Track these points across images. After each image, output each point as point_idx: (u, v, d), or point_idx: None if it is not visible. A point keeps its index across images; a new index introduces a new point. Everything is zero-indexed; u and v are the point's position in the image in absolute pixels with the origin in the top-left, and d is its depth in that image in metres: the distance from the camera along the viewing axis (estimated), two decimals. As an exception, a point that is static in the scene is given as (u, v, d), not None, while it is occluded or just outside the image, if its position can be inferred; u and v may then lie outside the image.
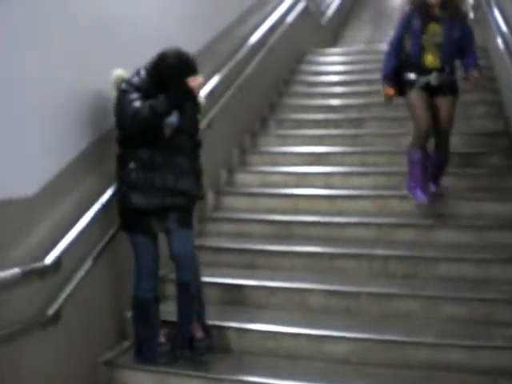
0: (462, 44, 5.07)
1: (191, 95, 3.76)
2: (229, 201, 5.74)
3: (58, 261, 3.43)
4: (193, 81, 3.71)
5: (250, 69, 6.56)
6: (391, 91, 5.22)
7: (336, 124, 6.92)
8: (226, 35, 6.18)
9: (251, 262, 4.93)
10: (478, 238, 4.78)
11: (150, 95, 3.65)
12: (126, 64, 3.92)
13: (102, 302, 4.00)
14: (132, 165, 3.71)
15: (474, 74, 5.12)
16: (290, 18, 8.30)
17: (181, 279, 3.88)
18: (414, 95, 5.08)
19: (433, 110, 5.09)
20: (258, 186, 5.95)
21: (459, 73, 5.27)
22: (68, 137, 3.71)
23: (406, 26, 5.08)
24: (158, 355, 3.89)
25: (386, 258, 4.72)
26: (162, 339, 3.93)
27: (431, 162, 5.23)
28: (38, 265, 3.31)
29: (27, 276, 3.22)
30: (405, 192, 5.39)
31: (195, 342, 3.85)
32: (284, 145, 6.58)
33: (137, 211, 3.73)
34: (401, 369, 3.78)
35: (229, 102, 5.90)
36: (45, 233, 3.46)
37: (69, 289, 3.57)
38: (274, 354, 4.02)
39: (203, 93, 5.10)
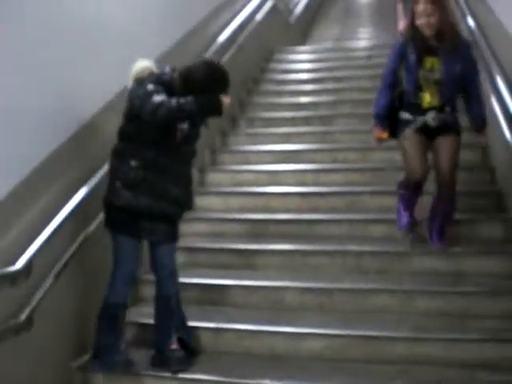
0: (465, 81, 4.46)
1: (221, 111, 3.57)
2: (201, 201, 5.71)
3: (29, 265, 3.37)
4: (225, 98, 3.58)
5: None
6: (384, 135, 4.65)
7: (306, 121, 6.93)
8: (195, 33, 6.15)
9: (226, 261, 4.90)
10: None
11: (177, 96, 3.50)
12: (98, 63, 3.88)
13: (74, 306, 3.95)
14: (134, 162, 3.58)
15: (482, 136, 4.77)
16: (258, 16, 8.32)
17: (162, 293, 3.81)
18: (409, 139, 4.49)
19: (433, 154, 4.55)
20: (229, 186, 5.93)
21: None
22: (36, 139, 3.65)
23: (399, 57, 4.49)
24: (116, 364, 3.75)
25: (360, 253, 4.73)
26: (123, 347, 3.83)
27: (433, 212, 4.63)
28: (8, 269, 3.26)
29: (-1, 281, 3.17)
30: (376, 188, 5.43)
31: (168, 353, 3.78)
32: (255, 143, 6.57)
33: (126, 211, 3.61)
34: (377, 364, 3.79)
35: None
36: (15, 237, 3.40)
37: (41, 293, 3.51)
38: (250, 353, 4.01)
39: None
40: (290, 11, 10.74)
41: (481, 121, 4.56)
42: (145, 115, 3.47)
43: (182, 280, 4.33)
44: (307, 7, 12.04)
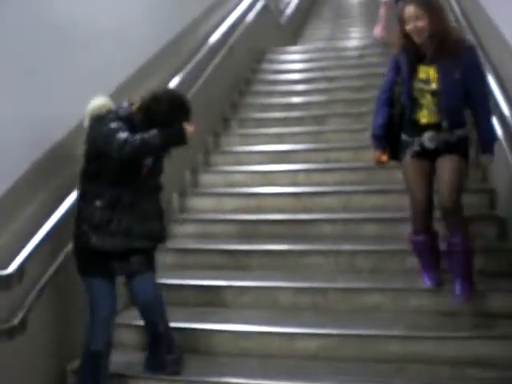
0: (468, 89, 3.88)
1: (185, 140, 3.48)
2: (193, 202, 5.71)
3: (22, 269, 3.36)
4: (189, 126, 3.49)
5: (210, 68, 6.54)
6: (384, 157, 4.14)
7: (298, 122, 6.92)
8: (186, 35, 6.15)
9: (219, 262, 4.90)
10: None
11: (138, 130, 3.44)
12: (87, 65, 3.87)
13: (68, 308, 3.94)
14: (98, 202, 3.48)
15: (490, 160, 4.10)
16: (249, 17, 8.31)
17: (148, 323, 3.72)
18: (407, 165, 4.03)
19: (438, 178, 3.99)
20: (222, 186, 5.93)
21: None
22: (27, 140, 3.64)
23: (394, 70, 4.04)
24: None
25: (353, 253, 4.74)
26: None
27: (447, 252, 4.05)
28: (1, 273, 3.25)
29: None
30: (370, 187, 5.44)
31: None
32: (247, 144, 6.57)
33: (96, 253, 3.49)
34: (372, 362, 3.80)
35: (190, 102, 5.86)
36: (7, 241, 3.39)
37: (33, 296, 3.50)
38: (245, 354, 4.01)
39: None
40: (281, 11, 10.75)
41: (488, 141, 4.02)
42: (112, 153, 3.38)
43: (175, 281, 4.35)
44: (298, 7, 12.06)
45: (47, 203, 3.72)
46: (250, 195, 5.69)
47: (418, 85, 3.89)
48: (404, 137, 4.04)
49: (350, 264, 4.70)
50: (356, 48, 9.27)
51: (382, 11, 8.41)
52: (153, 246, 3.71)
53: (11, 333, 3.31)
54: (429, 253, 4.16)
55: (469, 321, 3.99)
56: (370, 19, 11.50)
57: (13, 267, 3.30)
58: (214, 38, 6.78)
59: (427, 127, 3.91)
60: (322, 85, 7.85)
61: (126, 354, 3.99)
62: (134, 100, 3.63)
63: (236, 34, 7.58)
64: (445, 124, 3.89)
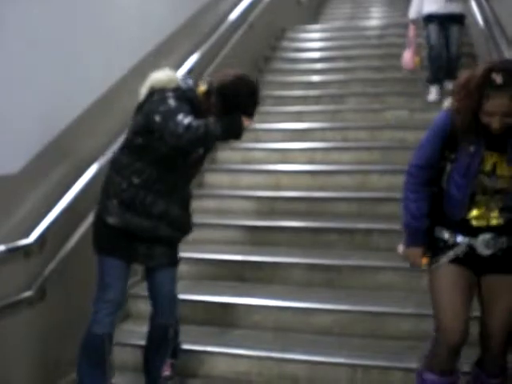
0: None
1: (241, 134, 3.07)
2: (211, 178, 5.76)
3: (43, 238, 3.43)
4: (247, 121, 3.07)
5: (230, 45, 6.56)
6: (425, 260, 2.96)
7: (317, 100, 6.94)
8: (206, 11, 6.16)
9: (235, 237, 4.96)
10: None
11: (202, 116, 3.07)
12: (110, 40, 3.88)
13: (87, 278, 4.00)
14: (136, 180, 3.14)
15: None
16: (270, -6, 8.29)
17: (160, 322, 3.40)
18: (443, 273, 2.86)
19: (480, 300, 2.93)
20: (240, 163, 5.96)
21: None
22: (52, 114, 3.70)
23: (442, 139, 2.83)
24: None
25: (368, 231, 4.77)
26: None
27: None
28: (22, 242, 3.32)
29: (12, 253, 3.24)
30: (386, 167, 5.45)
31: (162, 382, 3.50)
32: (266, 121, 6.57)
33: (120, 231, 3.18)
34: (385, 339, 3.85)
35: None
36: (29, 210, 3.46)
37: (53, 265, 3.57)
38: (260, 327, 4.08)
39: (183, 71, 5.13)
40: (302, -11, 10.69)
41: None
42: (168, 136, 3.00)
43: (192, 255, 4.39)
44: (319, -15, 11.99)
45: (69, 174, 3.78)
46: (267, 172, 5.73)
47: (481, 178, 2.77)
48: (442, 233, 2.90)
49: (365, 242, 4.73)
50: (377, 27, 9.22)
51: (411, 33, 6.69)
52: (181, 237, 3.41)
53: (31, 301, 3.40)
54: None
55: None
56: (391, -1, 11.43)
57: (34, 236, 3.38)
58: (234, 14, 6.79)
59: (482, 229, 2.81)
60: (342, 64, 7.85)
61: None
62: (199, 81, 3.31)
63: (256, 11, 7.58)
64: (508, 228, 2.82)
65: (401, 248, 3.08)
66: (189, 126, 2.92)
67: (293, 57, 8.41)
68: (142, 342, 3.50)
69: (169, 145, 3.03)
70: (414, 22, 6.70)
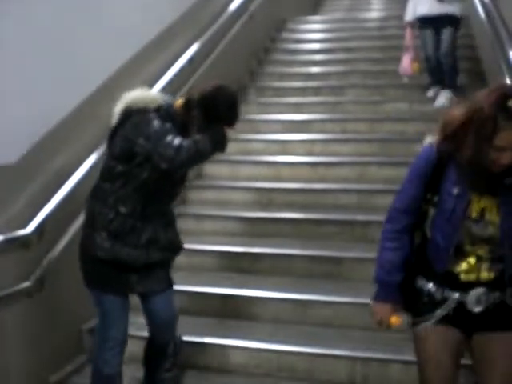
0: None
1: (226, 145, 3.02)
2: (210, 169, 5.73)
3: (41, 228, 3.42)
4: (228, 132, 3.03)
5: (230, 36, 6.54)
6: (396, 320, 2.58)
7: (317, 91, 6.93)
8: (206, 2, 6.13)
9: (235, 229, 4.94)
10: None
11: (185, 131, 2.98)
12: (112, 28, 3.86)
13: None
14: (123, 209, 2.97)
15: None
16: (270, -15, 8.26)
17: (159, 341, 3.31)
18: (427, 335, 2.46)
19: (474, 362, 2.49)
20: (239, 154, 5.93)
21: None
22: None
23: (423, 180, 2.46)
24: None
25: (368, 223, 4.75)
26: None
27: None
28: (20, 233, 3.31)
29: (11, 243, 3.22)
30: (385, 159, 5.43)
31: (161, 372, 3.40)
32: (265, 113, 6.57)
33: (111, 264, 3.01)
34: (384, 332, 3.80)
35: (209, 69, 5.88)
36: (27, 200, 3.45)
37: (52, 256, 3.57)
38: (259, 319, 4.08)
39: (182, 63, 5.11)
40: (302, -20, 10.66)
41: None
42: (159, 161, 2.86)
43: (192, 246, 4.37)
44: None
45: (65, 166, 3.76)
46: (266, 164, 5.71)
47: (468, 225, 2.37)
48: (426, 285, 2.49)
49: (365, 234, 4.71)
50: (376, 19, 9.19)
51: (408, 36, 6.45)
52: (173, 257, 3.27)
53: (29, 291, 3.39)
54: None
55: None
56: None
57: (32, 227, 3.37)
58: (235, 5, 6.76)
59: (472, 283, 2.40)
60: (342, 55, 7.82)
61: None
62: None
63: (256, 2, 7.54)
64: (501, 282, 2.41)
65: (375, 310, 2.62)
66: (179, 148, 2.82)
67: (293, 48, 8.38)
68: (141, 333, 3.49)
69: (157, 169, 2.90)
70: (411, 24, 6.45)
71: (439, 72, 6.30)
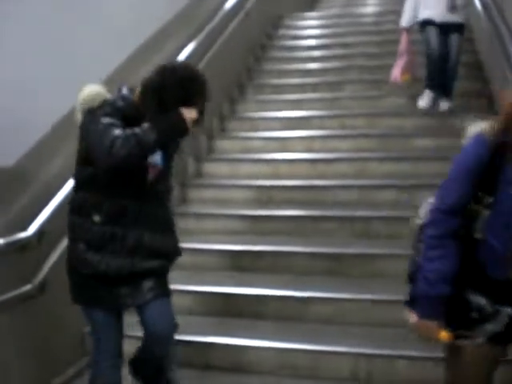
0: None
1: (186, 129, 2.67)
2: (210, 167, 5.73)
3: (41, 231, 3.41)
4: (188, 112, 2.66)
5: (226, 34, 6.52)
6: (445, 335, 2.26)
7: (314, 88, 6.91)
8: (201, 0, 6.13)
9: (235, 227, 4.93)
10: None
11: (137, 124, 2.67)
12: (103, 27, 3.84)
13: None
14: (97, 217, 2.73)
15: None
16: (266, -18, 8.24)
17: (153, 355, 3.01)
18: (477, 358, 2.26)
19: None
20: (238, 152, 5.94)
21: None
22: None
23: (477, 176, 2.15)
24: None
25: (368, 219, 4.76)
26: None
27: None
28: (20, 236, 3.29)
29: (11, 246, 3.21)
30: (385, 154, 5.43)
31: None
32: (263, 110, 6.57)
33: (98, 278, 2.78)
34: (386, 327, 3.83)
35: (205, 68, 5.85)
36: (26, 203, 3.43)
37: (53, 259, 3.55)
38: (261, 317, 4.06)
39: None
40: (298, -24, 10.63)
41: None
42: (97, 161, 2.64)
43: (192, 245, 4.36)
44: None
45: (66, 166, 3.74)
46: (265, 161, 5.70)
47: None
48: (475, 297, 2.23)
49: (365, 230, 4.71)
50: (373, 14, 9.18)
51: (404, 42, 6.05)
52: (168, 264, 2.97)
53: (30, 295, 3.38)
54: None
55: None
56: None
57: (32, 230, 3.36)
58: (230, 2, 6.74)
59: None
60: (339, 51, 7.80)
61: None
62: (134, 84, 2.85)
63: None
64: None
65: (411, 317, 2.38)
66: (113, 141, 2.55)
67: (290, 45, 8.37)
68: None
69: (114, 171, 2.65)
70: (407, 30, 6.02)
71: (441, 74, 5.82)
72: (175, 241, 3.00)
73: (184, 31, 5.57)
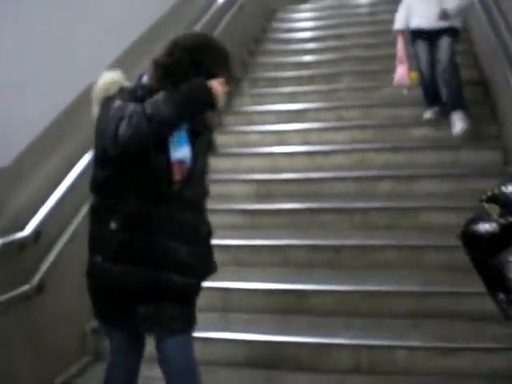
0: None
1: (211, 100, 2.31)
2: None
3: (38, 231, 3.39)
4: (216, 84, 2.32)
5: (221, 27, 6.51)
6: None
7: (310, 80, 6.89)
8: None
9: (234, 221, 4.92)
10: (456, 186, 4.80)
11: None
12: (100, 23, 3.83)
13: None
14: (114, 224, 2.35)
15: None
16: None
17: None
18: None
19: None
20: (235, 147, 5.91)
21: None
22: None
23: None
24: None
25: (366, 210, 4.75)
26: None
27: None
28: (17, 235, 3.28)
29: (8, 247, 3.20)
30: (382, 145, 5.41)
31: None
32: (259, 104, 6.55)
33: (114, 294, 2.42)
34: (388, 318, 3.82)
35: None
36: (23, 203, 3.42)
37: (51, 258, 3.54)
38: (261, 311, 4.05)
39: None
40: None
41: None
42: (107, 145, 2.28)
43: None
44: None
45: (62, 165, 3.73)
46: (263, 155, 5.69)
47: None
48: None
49: (364, 221, 4.71)
50: (367, 4, 9.14)
51: (400, 45, 5.72)
52: (197, 282, 2.52)
53: (29, 295, 3.36)
54: None
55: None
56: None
57: (29, 229, 3.35)
58: (223, -4, 6.73)
59: None
60: (334, 43, 7.78)
61: None
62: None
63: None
64: None
65: None
66: (119, 121, 2.19)
67: (284, 37, 8.35)
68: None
69: (134, 166, 2.32)
70: (401, 32, 5.75)
71: (433, 89, 5.58)
72: (209, 253, 2.60)
73: (177, 25, 5.54)
